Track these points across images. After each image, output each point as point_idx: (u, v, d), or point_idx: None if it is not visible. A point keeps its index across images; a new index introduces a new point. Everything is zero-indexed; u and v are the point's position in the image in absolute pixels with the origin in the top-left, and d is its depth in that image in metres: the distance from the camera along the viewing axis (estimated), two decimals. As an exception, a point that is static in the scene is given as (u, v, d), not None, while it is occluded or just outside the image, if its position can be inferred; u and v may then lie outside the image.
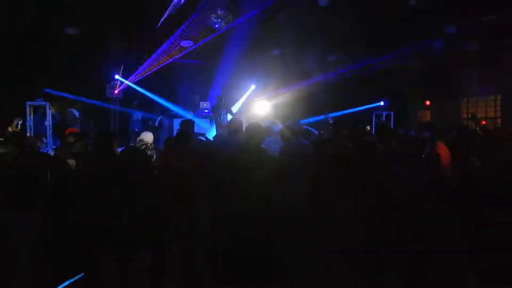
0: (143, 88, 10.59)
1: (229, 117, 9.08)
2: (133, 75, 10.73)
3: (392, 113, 10.83)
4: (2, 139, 4.37)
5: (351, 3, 9.35)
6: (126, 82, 10.53)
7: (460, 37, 10.01)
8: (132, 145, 6.25)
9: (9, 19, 8.24)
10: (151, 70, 10.66)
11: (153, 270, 4.03)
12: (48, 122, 7.49)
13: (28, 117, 7.18)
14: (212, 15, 9.67)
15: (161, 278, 3.98)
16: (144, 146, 5.20)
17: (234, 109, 10.86)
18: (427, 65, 13.48)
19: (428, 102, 13.94)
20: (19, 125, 5.09)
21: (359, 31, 10.27)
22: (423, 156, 3.99)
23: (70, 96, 9.19)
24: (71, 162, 4.50)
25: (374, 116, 10.58)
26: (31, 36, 8.71)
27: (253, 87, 11.56)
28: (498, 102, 11.48)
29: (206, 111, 10.40)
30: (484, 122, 6.93)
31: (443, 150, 4.62)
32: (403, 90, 13.90)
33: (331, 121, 5.48)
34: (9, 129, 4.77)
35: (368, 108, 10.90)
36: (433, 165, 4.11)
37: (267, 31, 10.55)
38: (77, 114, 9.15)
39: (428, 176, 3.43)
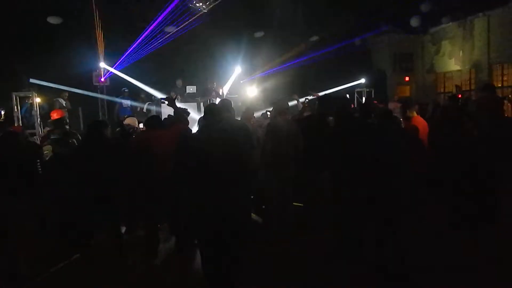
0: (129, 75, 10.41)
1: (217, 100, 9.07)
2: (118, 62, 10.52)
3: (372, 90, 10.93)
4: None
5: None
6: (112, 69, 10.33)
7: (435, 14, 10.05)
8: (120, 129, 6.23)
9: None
10: (136, 57, 10.47)
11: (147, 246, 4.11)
12: (35, 112, 7.36)
13: (15, 108, 7.03)
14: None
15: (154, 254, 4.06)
16: (132, 130, 5.24)
17: (224, 91, 10.80)
18: (406, 43, 13.60)
19: (407, 78, 14.09)
20: (2, 115, 5.00)
21: (339, 11, 10.23)
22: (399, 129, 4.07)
23: (57, 86, 8.99)
24: (47, 148, 4.46)
25: (356, 93, 10.65)
26: (14, 26, 8.43)
27: (238, 69, 11.47)
28: (473, 75, 11.64)
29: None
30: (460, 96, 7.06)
31: (418, 121, 4.68)
32: (383, 67, 14.02)
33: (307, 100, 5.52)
34: (-6, 119, 4.70)
35: (350, 86, 10.94)
36: (412, 139, 4.20)
37: (249, 12, 10.41)
38: (64, 103, 9.00)
39: (406, 148, 3.47)
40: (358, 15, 10.78)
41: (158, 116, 4.81)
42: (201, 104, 9.73)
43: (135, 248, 4.23)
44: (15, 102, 7.07)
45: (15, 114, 6.95)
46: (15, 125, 6.39)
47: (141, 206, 4.20)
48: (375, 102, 8.18)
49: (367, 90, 10.85)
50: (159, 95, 10.21)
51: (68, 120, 6.06)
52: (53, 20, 9.51)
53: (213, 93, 10.00)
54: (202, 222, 3.06)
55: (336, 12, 10.53)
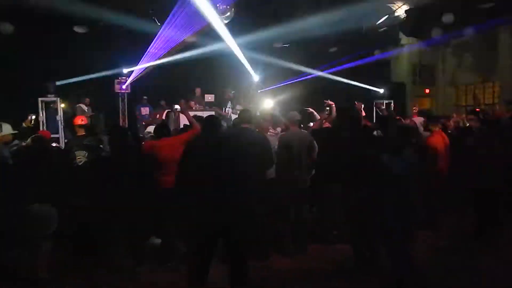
0: (148, 83, 10.66)
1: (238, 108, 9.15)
2: (139, 70, 10.79)
3: (392, 101, 10.79)
4: (17, 131, 4.49)
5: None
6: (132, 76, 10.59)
7: (457, 25, 9.90)
8: (141, 137, 6.38)
9: (22, 18, 8.33)
10: (154, 65, 10.71)
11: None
12: (59, 117, 7.61)
13: (40, 113, 7.29)
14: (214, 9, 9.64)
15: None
16: (151, 137, 5.35)
17: (243, 100, 10.89)
18: (426, 54, 13.42)
19: (427, 91, 13.87)
20: (33, 121, 5.21)
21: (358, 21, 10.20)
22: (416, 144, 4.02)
23: (80, 92, 9.29)
24: (82, 153, 4.58)
25: (374, 105, 10.54)
26: (43, 34, 8.79)
27: (256, 78, 11.54)
28: (497, 89, 11.38)
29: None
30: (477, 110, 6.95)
31: (437, 139, 4.64)
32: (402, 79, 13.86)
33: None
34: (24, 124, 4.89)
35: (367, 95, 10.80)
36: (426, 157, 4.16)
37: (268, 22, 10.49)
38: (85, 109, 9.27)
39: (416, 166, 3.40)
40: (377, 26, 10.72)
41: (166, 124, 4.89)
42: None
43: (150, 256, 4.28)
44: (41, 107, 7.34)
45: (40, 119, 7.20)
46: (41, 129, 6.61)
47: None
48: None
49: (386, 102, 10.71)
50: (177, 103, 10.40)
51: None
52: (78, 29, 9.88)
53: (229, 103, 10.08)
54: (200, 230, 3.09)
55: (356, 22, 10.50)
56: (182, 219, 4.15)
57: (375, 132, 4.08)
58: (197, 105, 10.50)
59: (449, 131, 5.57)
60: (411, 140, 3.29)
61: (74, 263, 4.07)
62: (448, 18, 9.49)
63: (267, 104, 10.08)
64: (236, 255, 3.07)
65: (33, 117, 5.31)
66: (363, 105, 5.46)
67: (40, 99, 7.39)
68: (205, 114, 9.88)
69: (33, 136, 4.38)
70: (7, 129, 4.34)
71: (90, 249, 4.11)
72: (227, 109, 10.04)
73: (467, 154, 4.52)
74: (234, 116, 8.95)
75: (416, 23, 10.28)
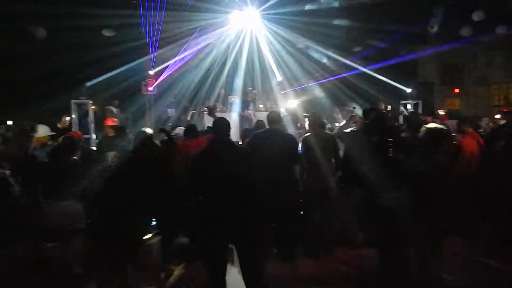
0: (175, 84, 10.89)
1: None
2: (165, 72, 11.05)
3: (420, 102, 10.51)
4: (54, 133, 4.69)
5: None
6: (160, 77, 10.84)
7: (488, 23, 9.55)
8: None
9: (54, 24, 8.71)
10: (181, 66, 10.95)
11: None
12: (91, 118, 7.90)
13: (73, 114, 7.60)
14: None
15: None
16: (179, 139, 5.45)
17: (266, 101, 10.93)
18: (455, 53, 12.99)
19: (457, 90, 13.44)
20: (67, 122, 5.45)
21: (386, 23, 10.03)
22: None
23: (109, 94, 9.61)
24: (113, 154, 4.72)
25: (401, 105, 10.31)
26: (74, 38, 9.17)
27: (279, 79, 11.55)
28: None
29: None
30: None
31: (470, 141, 4.52)
32: (430, 78, 13.49)
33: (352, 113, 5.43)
34: (59, 125, 5.12)
35: (394, 95, 10.59)
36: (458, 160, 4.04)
37: (293, 24, 10.48)
38: (114, 110, 9.56)
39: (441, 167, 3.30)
40: (404, 24, 10.49)
41: (194, 125, 5.00)
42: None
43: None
44: (73, 109, 7.65)
45: (73, 121, 7.51)
46: (73, 130, 6.88)
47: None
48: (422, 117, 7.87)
49: (414, 102, 10.44)
50: (202, 104, 10.58)
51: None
52: (107, 32, 10.22)
53: (251, 104, 10.11)
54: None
55: (381, 21, 10.33)
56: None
57: (403, 134, 4.01)
58: (221, 106, 10.63)
59: (482, 133, 5.40)
60: (442, 144, 3.17)
61: (105, 259, 4.21)
62: (478, 15, 9.18)
63: (290, 105, 10.07)
64: (247, 259, 3.07)
65: (67, 118, 5.55)
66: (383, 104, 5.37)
67: (72, 101, 7.70)
68: (229, 115, 10.08)
69: (64, 136, 4.55)
70: (44, 131, 4.55)
71: (120, 246, 4.23)
72: (249, 110, 10.11)
73: (497, 158, 4.38)
74: (258, 116, 9.03)
75: (445, 21, 9.99)
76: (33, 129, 4.07)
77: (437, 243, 3.23)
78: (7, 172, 3.54)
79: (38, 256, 3.74)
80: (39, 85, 8.58)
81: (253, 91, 10.57)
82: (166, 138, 5.45)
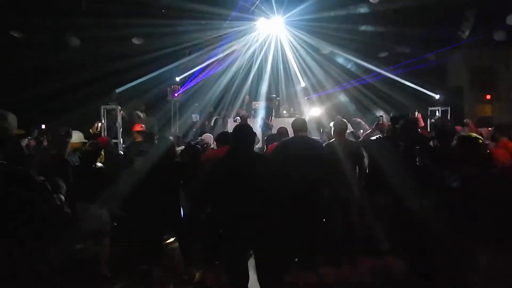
0: (200, 90, 11.10)
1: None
2: (191, 78, 11.29)
3: (449, 108, 10.16)
4: (87, 140, 4.86)
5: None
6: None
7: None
8: (192, 145, 6.65)
9: (86, 33, 9.12)
10: (207, 73, 11.15)
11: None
12: (119, 123, 8.15)
13: (102, 119, 7.87)
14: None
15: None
16: (206, 145, 5.53)
17: (290, 107, 10.93)
18: (487, 57, 12.53)
19: (488, 96, 12.92)
20: (99, 128, 5.64)
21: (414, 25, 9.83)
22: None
23: (137, 100, 9.90)
24: (139, 159, 4.85)
25: (429, 112, 10.02)
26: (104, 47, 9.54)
27: (303, 84, 11.53)
28: None
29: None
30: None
31: (501, 151, 4.34)
32: (460, 84, 13.05)
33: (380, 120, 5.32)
34: (91, 131, 5.31)
35: (421, 101, 10.32)
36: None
37: (318, 30, 10.46)
38: (142, 115, 9.84)
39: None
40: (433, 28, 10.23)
41: (227, 132, 5.06)
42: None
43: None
44: (103, 114, 7.92)
45: (102, 126, 7.77)
46: (102, 135, 7.15)
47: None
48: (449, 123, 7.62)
49: (442, 109, 10.09)
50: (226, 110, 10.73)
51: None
52: (136, 41, 10.58)
53: (273, 111, 10.13)
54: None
55: (408, 25, 10.13)
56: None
57: (431, 143, 3.92)
58: (244, 112, 10.71)
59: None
60: (474, 154, 3.02)
61: (131, 261, 4.34)
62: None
63: (314, 112, 10.01)
64: (265, 267, 3.02)
65: (99, 124, 5.74)
66: (420, 115, 5.25)
67: (102, 106, 7.98)
68: (253, 121, 10.13)
69: (90, 142, 4.72)
70: (78, 137, 4.75)
71: (145, 249, 4.34)
72: (272, 117, 10.13)
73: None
74: (281, 122, 9.05)
75: (477, 23, 9.67)
76: (69, 135, 4.28)
77: (469, 256, 3.12)
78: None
79: (68, 258, 3.90)
80: (71, 92, 8.98)
81: (277, 98, 10.58)
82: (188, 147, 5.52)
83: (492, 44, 10.63)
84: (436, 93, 10.50)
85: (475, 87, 12.90)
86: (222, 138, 4.75)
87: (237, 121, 4.69)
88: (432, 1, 8.97)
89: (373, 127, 5.10)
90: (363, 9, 9.38)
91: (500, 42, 10.23)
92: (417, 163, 3.39)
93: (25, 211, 1.57)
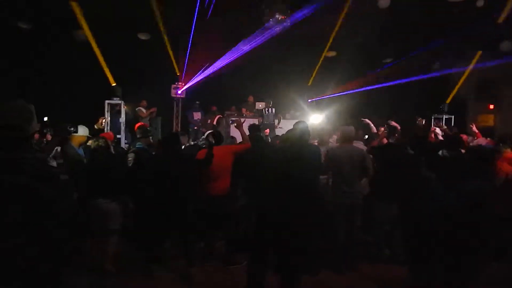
0: (204, 89, 11.12)
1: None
2: (195, 77, 11.30)
3: (453, 117, 10.27)
4: (90, 136, 4.88)
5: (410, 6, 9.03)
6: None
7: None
8: (195, 143, 6.69)
9: (92, 27, 9.13)
10: (211, 71, 11.17)
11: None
12: (122, 119, 8.18)
13: (106, 114, 7.89)
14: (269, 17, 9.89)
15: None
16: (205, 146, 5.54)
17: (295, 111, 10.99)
18: (490, 67, 12.60)
19: (491, 106, 13.02)
20: (103, 123, 5.67)
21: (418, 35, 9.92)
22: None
23: (140, 95, 9.92)
24: (131, 156, 4.84)
25: (433, 120, 10.10)
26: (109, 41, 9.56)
27: (308, 87, 11.59)
28: None
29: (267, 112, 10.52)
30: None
31: (503, 164, 4.37)
32: (463, 93, 13.12)
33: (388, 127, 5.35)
34: (96, 126, 5.34)
35: (426, 108, 10.38)
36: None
37: (322, 32, 10.51)
38: (144, 111, 9.86)
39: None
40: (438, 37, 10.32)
41: (218, 131, 5.05)
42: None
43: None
44: (107, 109, 7.95)
45: (106, 121, 7.79)
46: (106, 131, 7.16)
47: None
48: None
49: (446, 117, 10.21)
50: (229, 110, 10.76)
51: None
52: (142, 36, 10.61)
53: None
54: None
55: (413, 33, 10.21)
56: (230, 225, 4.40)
57: (440, 152, 3.96)
58: (247, 112, 10.76)
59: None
60: (489, 168, 3.02)
61: (136, 258, 4.36)
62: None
63: (316, 119, 10.03)
64: (288, 267, 3.17)
65: (104, 120, 5.78)
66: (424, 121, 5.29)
67: (106, 101, 8.00)
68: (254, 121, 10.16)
69: (97, 137, 4.73)
70: (83, 131, 4.78)
71: (151, 246, 4.36)
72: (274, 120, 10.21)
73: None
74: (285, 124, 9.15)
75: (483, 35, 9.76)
76: (74, 129, 4.31)
77: (472, 268, 3.17)
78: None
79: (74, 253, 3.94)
80: (75, 85, 9.00)
81: (270, 102, 10.55)
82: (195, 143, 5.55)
83: (495, 53, 10.71)
84: (440, 102, 10.59)
85: (479, 97, 12.99)
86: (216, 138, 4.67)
87: (234, 124, 4.78)
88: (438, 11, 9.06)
89: (382, 135, 5.09)
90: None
91: (505, 53, 10.32)
92: (424, 173, 3.44)
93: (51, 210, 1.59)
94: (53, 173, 1.69)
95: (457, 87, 11.84)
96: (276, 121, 10.15)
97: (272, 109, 10.11)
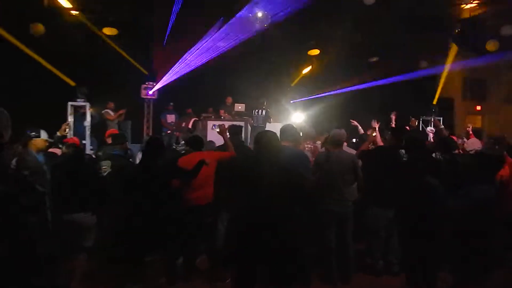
0: (177, 89, 10.96)
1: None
2: (167, 76, 11.13)
3: (441, 118, 10.60)
4: (52, 140, 4.70)
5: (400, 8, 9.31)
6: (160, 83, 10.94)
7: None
8: (172, 149, 6.59)
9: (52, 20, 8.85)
10: (185, 71, 11.04)
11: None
12: (88, 122, 7.92)
13: (68, 117, 7.62)
14: (251, 15, 9.92)
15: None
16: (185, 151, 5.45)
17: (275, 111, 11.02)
18: (478, 67, 13.14)
19: (479, 107, 13.57)
20: (67, 129, 5.48)
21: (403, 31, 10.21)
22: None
23: (107, 96, 9.67)
24: (106, 163, 4.71)
25: (421, 121, 10.41)
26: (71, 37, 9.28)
27: (290, 88, 11.67)
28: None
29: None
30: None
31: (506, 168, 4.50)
32: (451, 94, 13.61)
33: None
34: (58, 133, 5.15)
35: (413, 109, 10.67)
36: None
37: (303, 29, 10.62)
38: (112, 114, 9.61)
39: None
40: (424, 36, 10.66)
41: (199, 136, 4.98)
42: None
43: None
44: (69, 112, 7.67)
45: (69, 125, 7.52)
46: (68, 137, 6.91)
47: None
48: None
49: (434, 118, 10.55)
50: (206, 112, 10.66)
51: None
52: (108, 31, 10.35)
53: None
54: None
55: (400, 32, 10.51)
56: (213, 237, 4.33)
57: (433, 155, 4.06)
58: (226, 114, 10.68)
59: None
60: (494, 174, 3.11)
61: (106, 274, 4.20)
62: (508, 30, 9.35)
63: (297, 118, 10.11)
64: (277, 279, 3.14)
65: (68, 125, 5.59)
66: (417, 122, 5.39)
67: (69, 103, 7.73)
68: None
69: (68, 144, 4.57)
70: (44, 136, 4.59)
71: (125, 264, 4.22)
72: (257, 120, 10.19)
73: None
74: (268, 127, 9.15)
75: (471, 34, 10.17)
76: (35, 134, 4.15)
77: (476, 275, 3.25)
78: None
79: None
80: (35, 86, 8.66)
81: (263, 100, 10.61)
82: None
83: (483, 53, 11.17)
84: (427, 102, 10.92)
85: (466, 97, 13.52)
86: (193, 142, 4.66)
87: (217, 130, 4.71)
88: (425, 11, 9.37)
89: (370, 139, 5.13)
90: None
91: (492, 52, 10.77)
92: (423, 180, 3.48)
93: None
94: (29, 183, 1.60)
95: (440, 86, 12.23)
96: (267, 124, 10.13)
97: (263, 111, 10.04)
